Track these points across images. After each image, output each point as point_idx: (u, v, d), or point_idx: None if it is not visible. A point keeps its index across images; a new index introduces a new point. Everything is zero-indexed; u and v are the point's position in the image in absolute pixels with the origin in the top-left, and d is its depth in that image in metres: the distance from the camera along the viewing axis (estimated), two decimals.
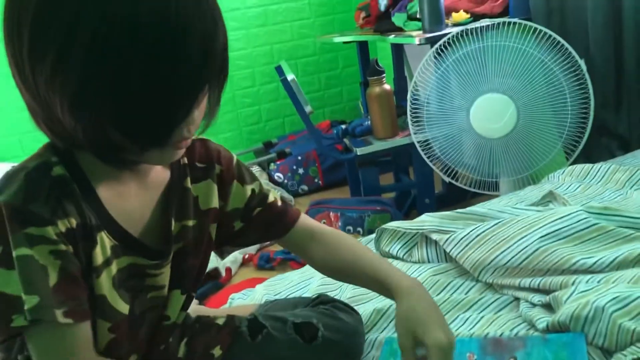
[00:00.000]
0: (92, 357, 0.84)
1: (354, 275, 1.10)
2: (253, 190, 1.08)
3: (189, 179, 0.99)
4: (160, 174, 0.96)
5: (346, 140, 2.73)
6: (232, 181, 1.05)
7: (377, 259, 1.07)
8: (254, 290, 1.61)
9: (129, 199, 0.90)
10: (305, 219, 1.14)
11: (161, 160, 0.89)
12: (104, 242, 0.86)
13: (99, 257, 0.85)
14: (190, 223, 1.00)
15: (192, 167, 1.01)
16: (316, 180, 3.52)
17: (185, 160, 1.00)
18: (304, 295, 1.46)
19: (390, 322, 1.26)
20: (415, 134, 2.26)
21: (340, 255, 1.10)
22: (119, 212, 0.88)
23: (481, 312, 1.27)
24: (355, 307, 1.26)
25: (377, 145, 2.54)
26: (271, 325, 1.12)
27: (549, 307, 1.17)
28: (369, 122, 2.65)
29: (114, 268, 0.88)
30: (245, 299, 1.58)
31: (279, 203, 1.12)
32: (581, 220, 1.26)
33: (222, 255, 2.30)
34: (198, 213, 1.01)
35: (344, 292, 1.42)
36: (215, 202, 1.03)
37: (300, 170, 3.48)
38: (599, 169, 1.79)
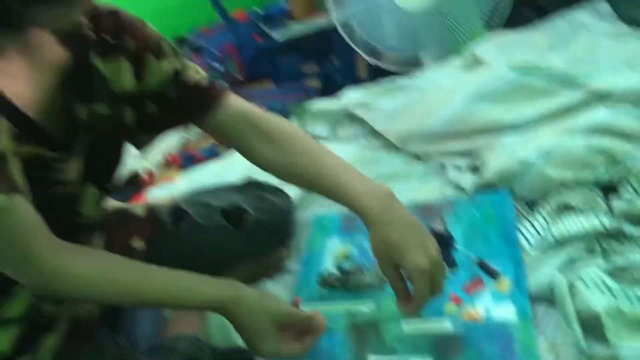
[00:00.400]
0: (44, 237, 0.76)
1: (309, 184, 0.92)
2: (173, 66, 0.92)
3: (95, 56, 0.85)
4: (56, 53, 0.82)
5: (263, 27, 2.61)
6: (149, 56, 0.90)
7: (338, 166, 0.89)
8: (174, 183, 1.54)
9: (17, 79, 0.78)
10: (238, 102, 0.95)
11: (54, 22, 0.75)
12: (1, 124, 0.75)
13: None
14: (102, 109, 0.87)
15: (100, 43, 0.86)
16: (236, 75, 3.38)
17: (92, 35, 0.84)
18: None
19: (317, 201, 1.25)
20: (334, 11, 2.16)
21: (291, 157, 0.91)
22: (8, 94, 0.76)
23: (408, 181, 1.27)
24: (285, 190, 1.23)
25: (296, 29, 2.43)
26: (196, 212, 1.07)
27: (475, 169, 1.18)
28: (286, 4, 2.53)
29: (16, 159, 0.78)
30: (166, 193, 1.51)
31: (203, 81, 0.95)
32: (505, 80, 1.25)
33: (140, 146, 2.18)
34: (110, 96, 0.88)
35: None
36: (129, 83, 0.89)
37: (219, 66, 3.32)
38: (520, 35, 1.77)
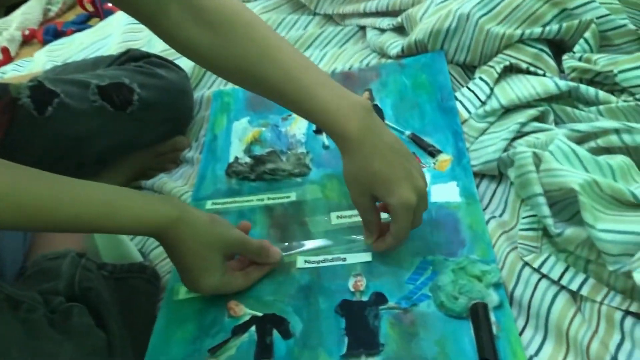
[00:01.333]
0: None
1: (256, 83, 0.69)
2: None
3: None
4: None
5: None
6: None
7: (300, 64, 0.67)
8: (32, 59, 1.27)
9: None
10: None
11: None
12: None
13: None
14: None
15: None
16: None
17: None
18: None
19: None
20: None
21: (230, 41, 0.67)
22: None
23: (324, 48, 1.09)
24: (176, 62, 1.02)
25: None
26: (66, 92, 0.85)
27: (401, 30, 1.01)
28: None
29: None
30: (22, 71, 1.24)
31: None
32: None
33: None
34: None
35: (157, 44, 1.15)
36: None
37: None
38: None
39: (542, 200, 0.63)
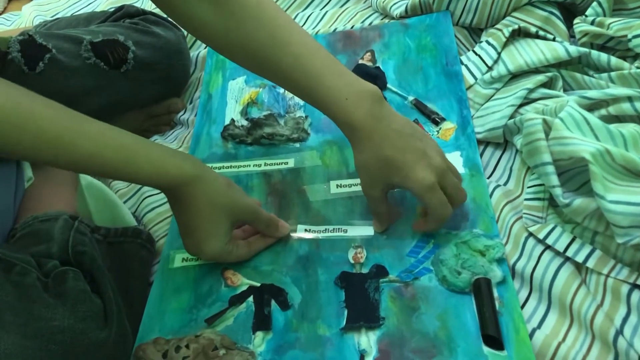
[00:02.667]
0: None
1: (263, 66, 0.66)
2: None
3: None
4: None
5: None
6: None
7: (310, 48, 0.64)
8: (20, 13, 1.21)
9: None
10: None
11: None
12: None
13: None
14: None
15: None
16: None
17: None
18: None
19: None
20: None
21: (239, 22, 0.64)
22: None
23: (324, 6, 1.06)
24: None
25: None
26: (57, 47, 0.82)
27: None
28: None
29: None
30: (9, 25, 1.19)
31: None
32: None
33: None
34: None
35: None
36: None
37: None
38: None
39: (550, 169, 0.61)
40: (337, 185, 0.74)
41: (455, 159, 0.73)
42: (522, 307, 0.60)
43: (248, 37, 0.64)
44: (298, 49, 0.63)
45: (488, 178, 0.72)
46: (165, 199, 0.66)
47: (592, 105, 0.67)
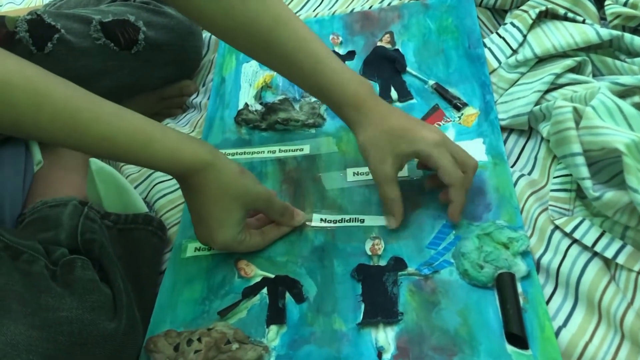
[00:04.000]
0: None
1: (265, 48, 0.65)
2: None
3: None
4: None
5: None
6: None
7: (307, 33, 0.65)
8: None
9: None
10: None
11: None
12: None
13: None
14: None
15: None
16: None
17: None
18: None
19: None
20: None
21: (246, 10, 0.63)
22: None
23: None
24: None
25: None
26: (67, 27, 0.80)
27: None
28: None
29: None
30: (18, 4, 1.17)
31: None
32: None
33: None
34: None
35: None
36: None
37: None
38: None
39: (580, 160, 0.58)
40: (354, 173, 0.72)
41: (478, 146, 0.70)
42: (547, 303, 0.57)
43: (251, 18, 0.62)
44: (302, 33, 0.64)
45: (512, 167, 0.69)
46: (178, 186, 0.64)
47: (625, 92, 0.64)
